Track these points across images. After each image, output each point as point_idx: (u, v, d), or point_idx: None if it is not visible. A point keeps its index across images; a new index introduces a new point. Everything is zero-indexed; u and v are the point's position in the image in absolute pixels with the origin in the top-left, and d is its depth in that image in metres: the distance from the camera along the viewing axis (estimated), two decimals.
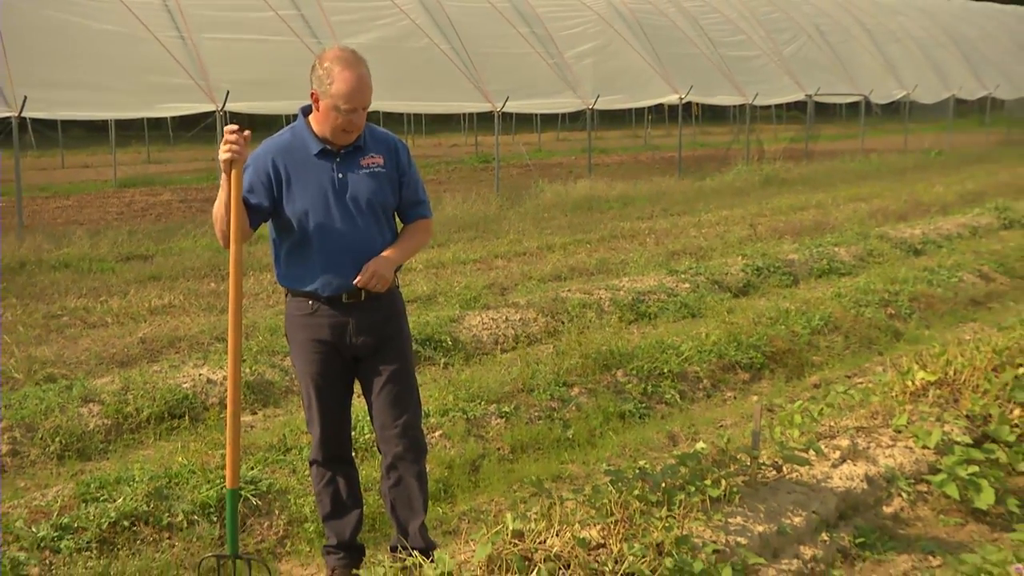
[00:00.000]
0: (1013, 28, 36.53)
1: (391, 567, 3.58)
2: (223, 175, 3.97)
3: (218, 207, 4.04)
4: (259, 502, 5.16)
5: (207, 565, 4.43)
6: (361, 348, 4.30)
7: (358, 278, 4.12)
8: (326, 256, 4.17)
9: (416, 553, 3.80)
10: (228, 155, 3.90)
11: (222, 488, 5.09)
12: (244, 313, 9.04)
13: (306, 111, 4.24)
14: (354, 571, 4.32)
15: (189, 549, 4.79)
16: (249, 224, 4.15)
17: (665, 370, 7.43)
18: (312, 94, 4.12)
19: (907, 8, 33.44)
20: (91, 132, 29.53)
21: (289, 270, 4.29)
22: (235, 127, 3.92)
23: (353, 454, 4.72)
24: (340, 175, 4.18)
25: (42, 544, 4.60)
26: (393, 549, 4.41)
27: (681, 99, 21.87)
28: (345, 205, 4.16)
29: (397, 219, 4.47)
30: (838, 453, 5.37)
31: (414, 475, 4.39)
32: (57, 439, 6.00)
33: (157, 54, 14.73)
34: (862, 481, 5.21)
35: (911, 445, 5.59)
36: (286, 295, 4.39)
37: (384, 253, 4.21)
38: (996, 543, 4.80)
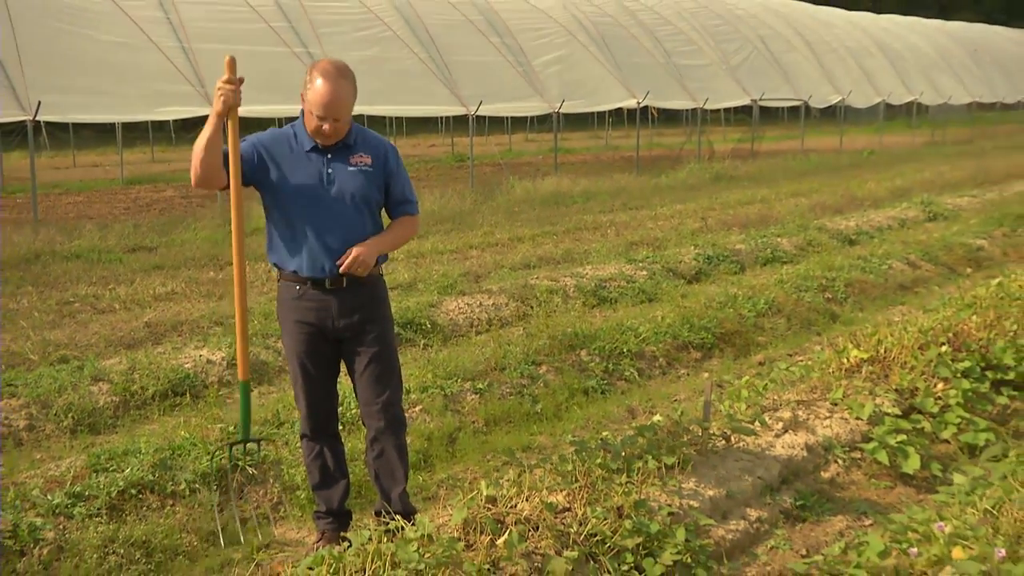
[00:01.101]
0: (935, 40, 36.79)
1: (376, 530, 3.56)
2: (215, 117, 3.96)
3: (199, 142, 3.99)
4: (255, 472, 5.14)
5: (224, 453, 4.38)
6: (344, 330, 4.28)
7: (341, 261, 4.12)
8: (312, 240, 4.16)
9: (398, 517, 3.79)
10: (221, 104, 3.94)
11: (221, 459, 5.07)
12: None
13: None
14: (342, 534, 4.32)
15: (191, 514, 4.77)
16: (223, 169, 4.08)
17: (624, 350, 7.44)
18: (301, 94, 4.14)
19: (841, 21, 33.60)
20: (100, 134, 29.15)
21: (277, 249, 4.29)
22: (228, 77, 3.95)
23: (340, 428, 4.71)
24: (330, 170, 4.18)
25: (57, 510, 4.57)
26: (377, 514, 4.40)
27: (639, 104, 21.86)
28: (332, 197, 4.17)
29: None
30: (781, 424, 5.40)
31: (395, 447, 4.39)
32: (70, 415, 5.96)
33: (160, 63, 14.62)
34: (802, 449, 5.24)
35: (846, 416, 5.63)
36: (278, 280, 4.38)
37: (368, 240, 4.20)
38: (921, 504, 4.84)
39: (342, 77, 4.07)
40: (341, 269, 4.12)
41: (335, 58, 4.21)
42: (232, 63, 3.99)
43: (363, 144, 4.29)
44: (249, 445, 4.79)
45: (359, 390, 4.40)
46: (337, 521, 4.50)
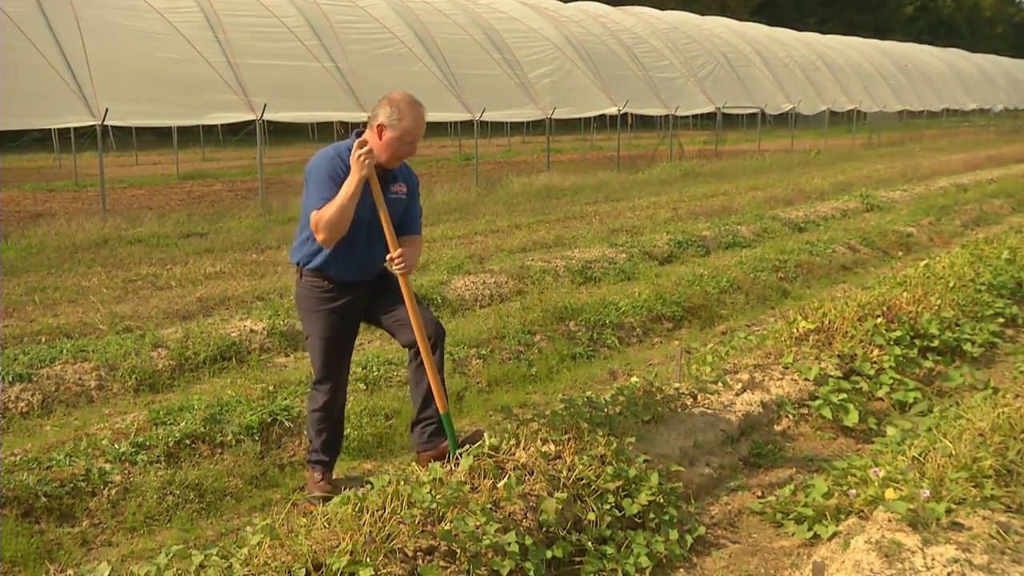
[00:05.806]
0: (872, 56, 36.68)
1: (394, 475, 3.56)
2: (359, 180, 3.87)
3: (343, 203, 3.88)
4: (291, 424, 5.13)
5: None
6: (371, 300, 4.32)
7: (396, 254, 4.01)
8: (353, 250, 4.11)
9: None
10: (367, 168, 3.87)
11: (263, 413, 5.07)
12: (278, 278, 8.98)
13: (359, 135, 4.09)
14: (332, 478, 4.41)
15: (237, 461, 4.76)
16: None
17: (607, 321, 7.42)
18: (379, 125, 3.99)
19: (792, 40, 33.43)
20: (159, 136, 28.94)
21: (314, 255, 4.15)
22: (365, 146, 3.88)
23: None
24: None
25: (123, 457, 4.56)
26: (416, 423, 4.40)
27: (619, 110, 21.76)
28: (376, 219, 4.06)
29: None
30: (740, 384, 5.40)
31: (439, 354, 4.33)
32: (133, 376, 5.94)
33: (209, 76, 14.54)
34: (758, 406, 5.24)
35: (796, 378, 5.63)
36: (299, 274, 4.25)
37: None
38: (859, 452, 4.85)
39: (421, 105, 4.05)
40: (395, 263, 4.01)
41: (402, 91, 4.08)
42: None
43: (401, 175, 4.24)
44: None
45: (398, 317, 4.25)
46: (333, 461, 4.46)
